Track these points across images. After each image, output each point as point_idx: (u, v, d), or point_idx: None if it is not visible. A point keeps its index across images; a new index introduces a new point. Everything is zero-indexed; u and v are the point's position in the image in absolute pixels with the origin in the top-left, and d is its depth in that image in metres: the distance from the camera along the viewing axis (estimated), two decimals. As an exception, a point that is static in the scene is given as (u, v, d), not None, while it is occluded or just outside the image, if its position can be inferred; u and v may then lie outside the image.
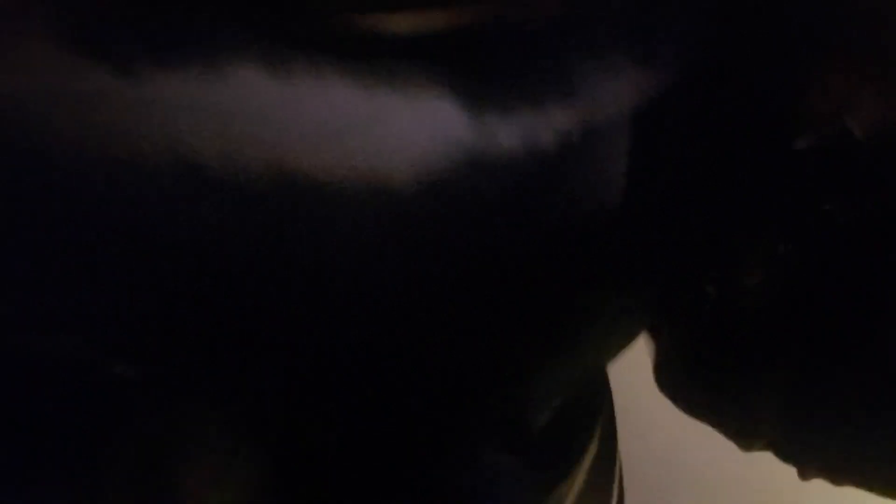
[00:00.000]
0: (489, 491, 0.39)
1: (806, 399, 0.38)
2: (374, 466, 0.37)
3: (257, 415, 0.34)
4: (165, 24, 0.29)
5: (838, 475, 0.40)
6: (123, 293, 0.30)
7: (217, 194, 0.29)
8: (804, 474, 0.41)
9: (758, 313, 0.38)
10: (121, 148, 0.29)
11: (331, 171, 0.30)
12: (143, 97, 0.28)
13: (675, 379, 0.42)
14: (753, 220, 0.37)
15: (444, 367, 0.35)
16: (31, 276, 0.30)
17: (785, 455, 0.41)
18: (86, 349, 0.31)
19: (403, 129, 0.30)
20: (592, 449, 0.43)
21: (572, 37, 0.32)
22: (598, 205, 0.34)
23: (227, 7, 0.29)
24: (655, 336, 0.42)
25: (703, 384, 0.41)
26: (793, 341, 0.37)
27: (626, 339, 0.41)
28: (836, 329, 0.37)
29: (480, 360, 0.36)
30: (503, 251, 0.33)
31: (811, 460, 0.40)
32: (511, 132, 0.31)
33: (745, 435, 0.41)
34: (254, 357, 0.32)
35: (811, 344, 0.37)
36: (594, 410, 0.45)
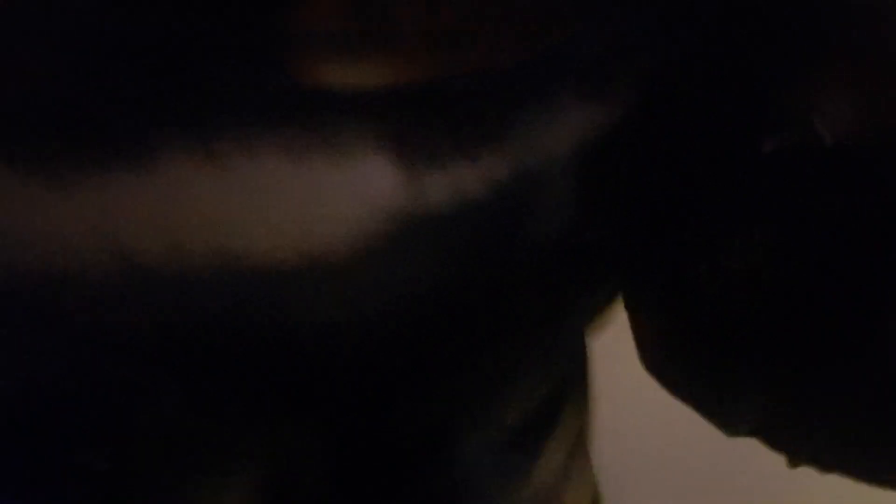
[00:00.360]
0: (469, 485, 0.39)
1: (789, 385, 0.38)
2: (361, 473, 0.37)
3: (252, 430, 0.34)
4: (92, 127, 0.29)
5: (824, 462, 0.40)
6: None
7: (164, 289, 0.29)
8: (792, 461, 0.40)
9: (741, 299, 0.37)
10: (62, 256, 0.29)
11: (270, 252, 0.30)
12: (77, 204, 0.29)
13: (659, 361, 0.42)
14: (727, 212, 0.37)
15: (422, 385, 0.36)
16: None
17: (770, 442, 0.40)
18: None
19: (335, 195, 0.30)
20: (566, 421, 0.43)
21: (516, 84, 0.32)
22: (542, 234, 0.34)
23: (153, 88, 0.29)
24: (638, 319, 0.42)
25: (686, 367, 0.41)
26: (776, 327, 0.37)
27: (599, 312, 0.41)
28: (818, 316, 0.36)
29: (452, 380, 0.36)
30: (448, 296, 0.33)
31: (797, 447, 0.40)
32: (440, 186, 0.31)
33: (728, 418, 0.41)
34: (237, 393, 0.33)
35: (794, 330, 0.37)
36: (561, 382, 0.44)
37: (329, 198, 0.30)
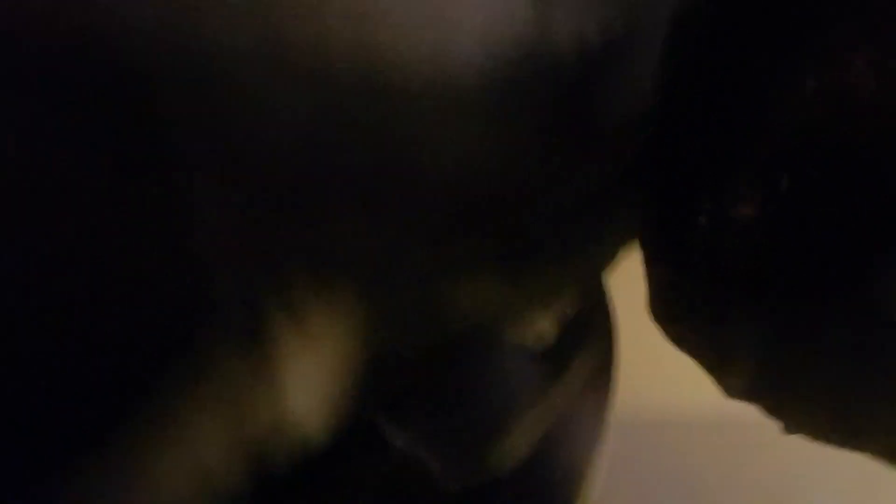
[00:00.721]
0: (503, 385, 0.38)
1: (785, 340, 0.37)
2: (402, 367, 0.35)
3: None
4: None
5: (819, 428, 0.39)
6: None
7: (307, 88, 0.28)
8: (787, 427, 0.40)
9: (745, 249, 0.37)
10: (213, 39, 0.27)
11: (407, 58, 0.28)
12: None
13: (664, 310, 0.41)
14: (757, 148, 0.36)
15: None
16: None
17: (764, 403, 0.40)
18: None
19: (472, 5, 0.29)
20: (592, 343, 0.43)
21: None
22: (627, 108, 0.34)
23: None
24: (650, 268, 0.42)
25: (688, 316, 0.40)
26: (778, 281, 0.36)
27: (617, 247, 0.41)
28: (825, 273, 0.36)
29: (514, 259, 0.35)
30: (542, 149, 0.32)
31: (790, 409, 0.39)
32: (564, 25, 0.30)
33: (723, 370, 0.40)
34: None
35: (796, 285, 0.36)
36: (592, 303, 0.44)
37: (466, 6, 0.29)
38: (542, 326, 0.39)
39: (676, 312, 0.41)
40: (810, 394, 0.38)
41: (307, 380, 0.31)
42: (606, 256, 0.42)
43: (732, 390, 0.41)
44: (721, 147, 0.37)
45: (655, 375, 0.81)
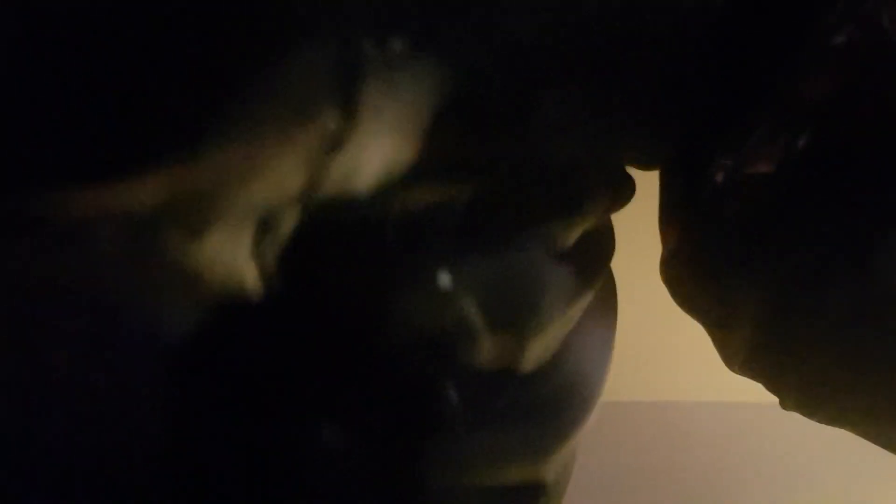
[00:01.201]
0: (548, 283, 0.38)
1: (786, 303, 0.37)
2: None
3: None
4: None
5: (813, 401, 0.39)
6: None
7: None
8: (784, 402, 0.40)
9: (756, 207, 0.37)
10: None
11: None
12: None
13: (676, 271, 0.41)
14: (781, 104, 0.36)
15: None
16: None
17: (762, 373, 0.40)
18: None
19: None
20: (603, 266, 0.43)
21: None
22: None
23: None
24: (666, 232, 0.41)
25: (697, 276, 0.40)
26: (784, 241, 0.36)
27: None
28: (830, 237, 0.35)
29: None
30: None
31: (787, 380, 0.39)
32: None
33: (725, 333, 0.40)
34: None
35: (801, 246, 0.36)
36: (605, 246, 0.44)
37: None
38: (573, 232, 0.39)
39: (686, 272, 0.41)
40: (807, 363, 0.38)
41: (379, 140, 0.32)
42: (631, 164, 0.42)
43: (733, 357, 0.40)
44: (744, 104, 0.37)
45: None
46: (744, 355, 0.40)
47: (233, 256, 0.32)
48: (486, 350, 0.37)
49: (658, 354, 0.82)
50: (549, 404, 0.40)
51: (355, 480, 0.36)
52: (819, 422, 0.39)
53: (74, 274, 0.31)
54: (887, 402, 0.37)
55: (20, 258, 0.30)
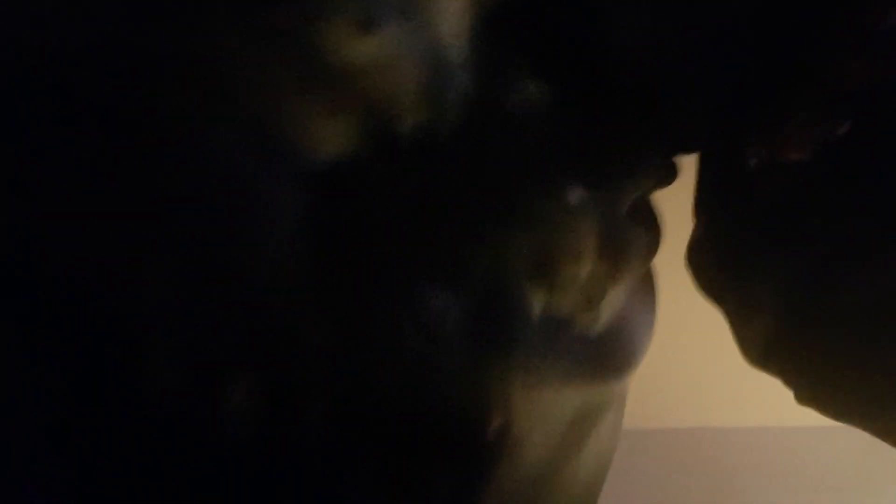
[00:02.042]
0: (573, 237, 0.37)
1: (807, 292, 0.37)
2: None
3: None
4: None
5: (828, 394, 0.38)
6: None
7: None
8: (798, 395, 0.39)
9: (787, 194, 0.37)
10: None
11: None
12: None
13: (701, 256, 0.41)
14: (821, 91, 0.36)
15: None
16: None
17: (779, 365, 0.39)
18: None
19: None
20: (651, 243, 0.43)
21: None
22: None
23: None
24: (697, 217, 0.41)
25: (721, 262, 0.40)
26: (811, 229, 0.36)
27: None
28: (859, 228, 0.35)
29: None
30: None
31: (804, 368, 0.39)
32: None
33: (745, 320, 0.40)
34: None
35: (831, 237, 0.36)
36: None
37: None
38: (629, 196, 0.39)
39: (711, 258, 0.41)
40: (824, 355, 0.37)
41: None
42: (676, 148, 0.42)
43: (751, 348, 0.40)
44: (781, 88, 0.37)
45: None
46: (762, 345, 0.39)
47: (399, 58, 0.31)
48: (584, 275, 0.37)
49: (674, 380, 0.82)
50: (605, 362, 0.40)
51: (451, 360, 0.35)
52: (831, 417, 0.39)
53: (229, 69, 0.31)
54: None
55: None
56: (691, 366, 0.78)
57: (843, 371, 0.37)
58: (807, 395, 0.39)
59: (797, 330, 0.38)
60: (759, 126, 0.37)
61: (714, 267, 0.41)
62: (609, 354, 0.40)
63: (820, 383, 0.38)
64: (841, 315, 0.36)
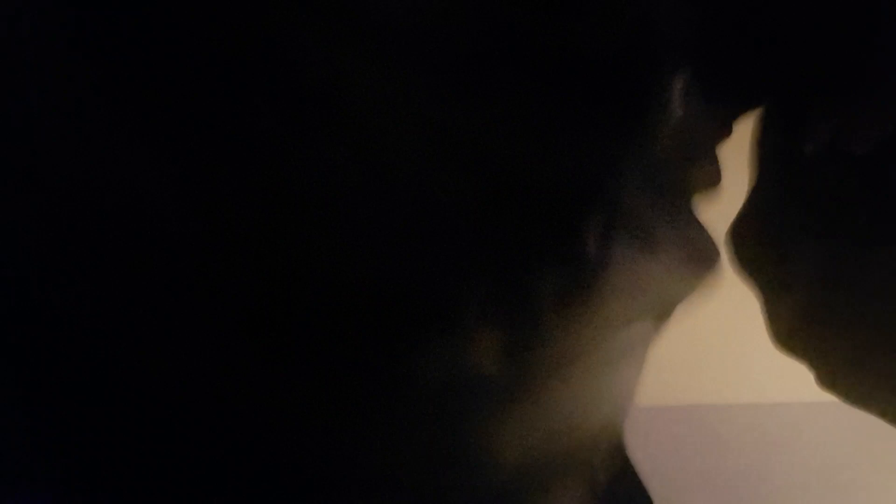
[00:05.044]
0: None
1: (842, 272, 0.37)
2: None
3: None
4: None
5: (850, 378, 0.39)
6: None
7: None
8: (820, 378, 0.40)
9: (841, 182, 0.37)
10: None
11: None
12: None
13: (742, 232, 0.41)
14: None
15: None
16: None
17: (806, 345, 0.40)
18: None
19: None
20: None
21: None
22: None
23: None
24: (750, 191, 0.42)
25: (761, 238, 0.41)
26: (858, 214, 0.37)
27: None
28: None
29: None
30: None
31: (829, 351, 0.39)
32: None
33: (777, 297, 0.40)
34: None
35: (872, 227, 0.36)
36: None
37: None
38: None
39: (752, 233, 0.41)
40: (850, 338, 0.38)
41: None
42: None
43: (780, 328, 0.40)
44: (848, 71, 0.37)
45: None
46: (790, 325, 0.40)
47: None
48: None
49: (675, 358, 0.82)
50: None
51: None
52: (850, 402, 0.39)
53: None
54: None
55: None
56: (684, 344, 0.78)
57: (866, 357, 0.38)
58: (828, 378, 0.39)
59: (824, 312, 0.38)
60: (826, 115, 0.37)
61: (754, 243, 0.41)
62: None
63: (841, 368, 0.39)
64: (868, 302, 0.37)
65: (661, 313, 0.40)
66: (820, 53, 0.37)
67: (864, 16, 0.37)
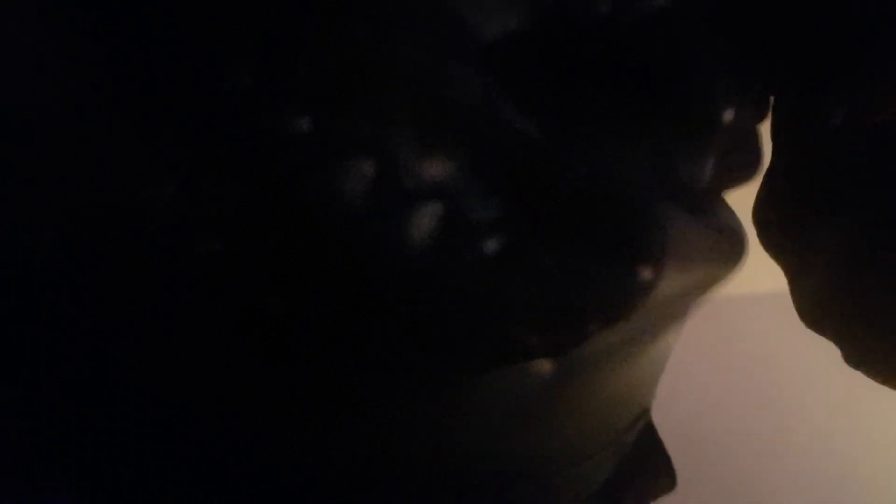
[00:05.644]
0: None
1: (865, 252, 0.37)
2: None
3: None
4: None
5: (877, 356, 0.38)
6: None
7: None
8: (847, 356, 0.39)
9: (868, 154, 0.36)
10: None
11: None
12: None
13: (765, 211, 0.41)
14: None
15: None
16: None
17: (833, 321, 0.39)
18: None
19: None
20: None
21: None
22: None
23: None
24: (769, 170, 0.41)
25: (786, 217, 0.40)
26: (883, 190, 0.36)
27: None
28: None
29: None
30: None
31: (854, 329, 0.38)
32: None
33: (802, 278, 0.40)
34: None
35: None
36: None
37: None
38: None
39: (776, 212, 0.41)
40: (875, 316, 0.37)
41: None
42: None
43: (806, 306, 0.40)
44: (879, 52, 0.37)
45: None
46: (815, 303, 0.39)
47: None
48: None
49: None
50: None
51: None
52: (877, 380, 0.39)
53: None
54: None
55: None
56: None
57: (892, 335, 0.37)
58: (854, 356, 0.39)
59: (849, 290, 0.38)
60: (850, 86, 0.37)
61: (779, 223, 0.41)
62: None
63: (868, 346, 0.38)
64: (894, 279, 0.36)
65: (692, 300, 0.40)
66: (841, 23, 0.37)
67: None
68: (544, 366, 0.36)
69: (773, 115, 0.41)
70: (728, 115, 0.37)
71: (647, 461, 0.47)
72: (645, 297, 0.36)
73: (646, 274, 0.35)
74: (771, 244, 0.41)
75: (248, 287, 0.33)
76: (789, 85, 0.39)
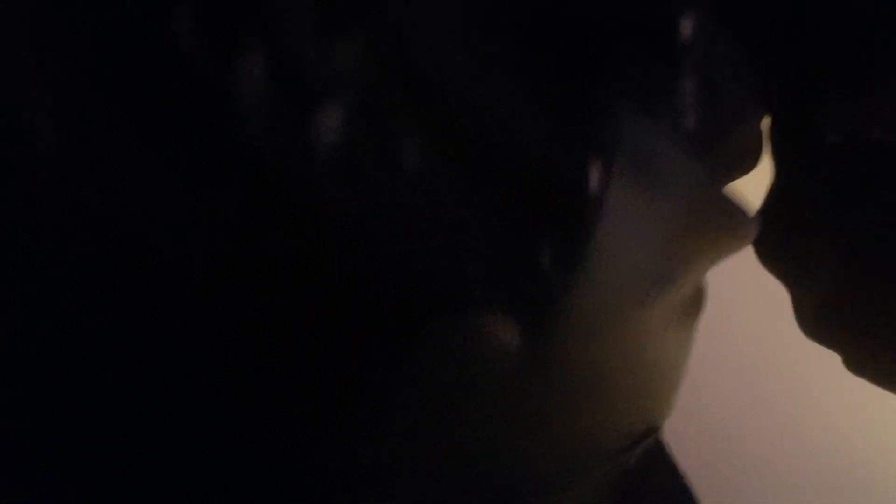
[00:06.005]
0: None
1: (863, 262, 0.37)
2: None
3: None
4: None
5: (878, 364, 0.38)
6: None
7: None
8: (848, 363, 0.39)
9: (866, 169, 0.37)
10: None
11: None
12: None
13: (768, 220, 0.41)
14: None
15: None
16: None
17: (830, 329, 0.39)
18: None
19: None
20: None
21: None
22: None
23: None
24: (769, 188, 0.42)
25: (788, 227, 0.41)
26: (880, 203, 0.36)
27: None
28: None
29: None
30: None
31: (853, 337, 0.39)
32: None
33: (801, 288, 0.40)
34: None
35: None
36: None
37: None
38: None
39: (774, 225, 0.41)
40: (874, 325, 0.38)
41: None
42: None
43: (805, 315, 0.40)
44: (867, 55, 0.37)
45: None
46: (815, 313, 0.39)
47: None
48: None
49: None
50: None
51: None
52: (881, 386, 0.39)
53: None
54: None
55: None
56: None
57: (892, 340, 0.37)
58: (857, 364, 0.39)
59: (849, 301, 0.38)
60: (848, 103, 0.37)
61: (777, 234, 0.40)
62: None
63: (870, 353, 0.38)
64: (893, 289, 0.36)
65: (682, 286, 0.38)
66: (840, 39, 0.37)
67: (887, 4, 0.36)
68: (509, 334, 0.33)
69: (771, 133, 0.41)
70: (686, 27, 0.34)
71: (657, 494, 0.43)
72: (597, 212, 0.32)
73: (594, 174, 0.32)
74: (768, 257, 0.42)
75: (250, 280, 0.32)
76: (787, 103, 0.39)
